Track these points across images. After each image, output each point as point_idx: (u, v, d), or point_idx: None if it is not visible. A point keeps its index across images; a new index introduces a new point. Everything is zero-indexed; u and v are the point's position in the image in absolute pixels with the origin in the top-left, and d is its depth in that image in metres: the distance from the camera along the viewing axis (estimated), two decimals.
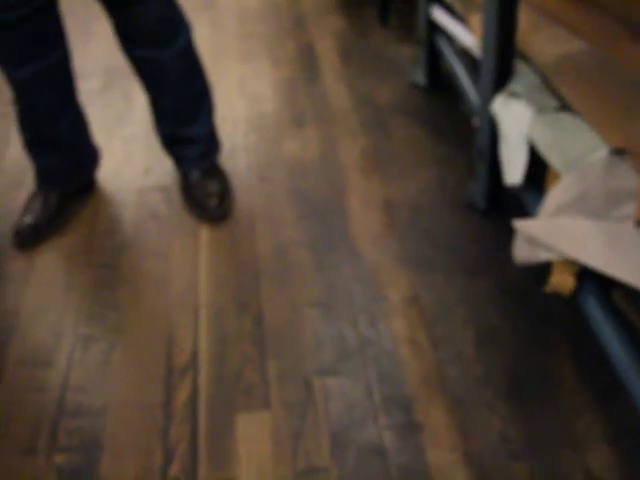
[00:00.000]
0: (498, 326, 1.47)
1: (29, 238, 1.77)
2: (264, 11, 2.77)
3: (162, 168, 1.99)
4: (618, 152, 1.24)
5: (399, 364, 1.41)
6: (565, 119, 1.41)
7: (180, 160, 1.86)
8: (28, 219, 1.78)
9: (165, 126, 1.81)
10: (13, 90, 1.69)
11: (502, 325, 1.47)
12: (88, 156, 1.89)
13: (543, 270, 1.32)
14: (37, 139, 1.76)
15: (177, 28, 1.67)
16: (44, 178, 1.82)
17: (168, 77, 1.71)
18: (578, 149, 1.34)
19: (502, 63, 1.55)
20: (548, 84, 1.50)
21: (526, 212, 1.42)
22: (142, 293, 1.63)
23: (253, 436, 1.31)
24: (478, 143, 1.68)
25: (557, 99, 1.46)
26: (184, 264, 1.70)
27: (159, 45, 1.65)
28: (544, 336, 1.44)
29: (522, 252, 1.31)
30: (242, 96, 2.29)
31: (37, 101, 1.68)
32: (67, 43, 1.70)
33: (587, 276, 1.22)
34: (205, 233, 1.77)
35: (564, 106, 1.44)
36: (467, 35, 1.86)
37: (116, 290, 1.65)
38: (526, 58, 1.58)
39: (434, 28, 2.07)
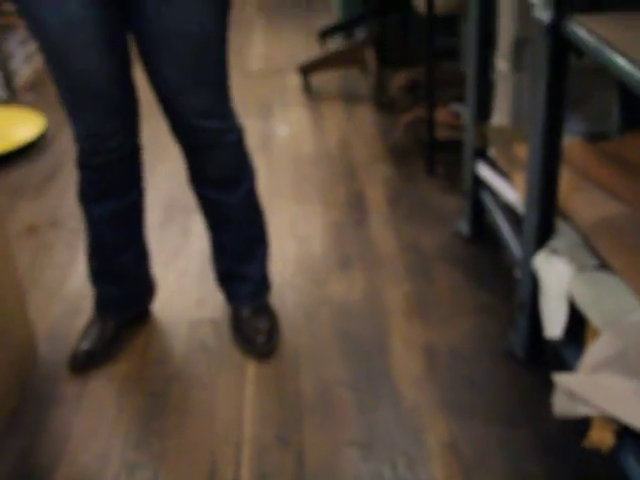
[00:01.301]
0: (536, 478, 1.48)
1: (84, 364, 1.85)
2: (317, 157, 2.93)
3: (214, 302, 2.08)
4: None
5: None
6: (604, 278, 1.48)
7: (232, 296, 1.95)
8: (85, 345, 1.86)
9: (223, 262, 1.92)
10: (86, 223, 1.82)
11: (540, 478, 1.48)
12: (146, 288, 1.99)
13: (583, 423, 1.34)
14: (103, 269, 1.88)
15: (245, 173, 1.81)
16: (103, 307, 1.92)
17: (231, 217, 1.83)
18: (617, 308, 1.40)
19: (544, 220, 1.64)
20: (588, 243, 1.57)
21: (565, 365, 1.47)
22: (188, 423, 1.68)
23: None
24: (519, 295, 1.74)
25: (596, 258, 1.53)
26: (230, 397, 1.75)
27: (227, 188, 1.79)
28: None
29: (562, 405, 1.34)
30: (292, 237, 2.40)
31: (108, 235, 1.81)
32: (144, 186, 1.85)
33: (628, 434, 1.24)
34: (252, 368, 1.84)
35: (603, 265, 1.51)
36: (511, 191, 1.96)
37: (164, 418, 1.70)
38: (567, 217, 1.67)
39: (479, 182, 2.19)
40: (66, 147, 3.05)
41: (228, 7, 1.62)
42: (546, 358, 1.72)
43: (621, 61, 1.23)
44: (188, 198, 2.44)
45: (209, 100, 1.66)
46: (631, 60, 1.20)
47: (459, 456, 1.54)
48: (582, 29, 1.36)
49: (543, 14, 1.46)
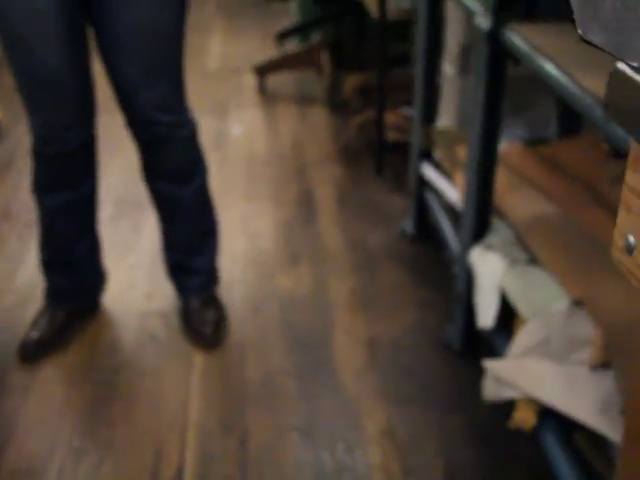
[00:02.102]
0: (467, 461, 1.56)
1: (33, 352, 1.88)
2: (270, 156, 2.99)
3: (163, 295, 2.12)
4: (578, 303, 1.38)
5: None
6: (533, 272, 1.56)
7: (182, 288, 2.00)
8: (34, 334, 1.89)
9: (173, 255, 1.97)
10: (39, 213, 1.85)
11: (471, 461, 1.56)
12: (97, 279, 2.03)
13: (511, 408, 1.42)
14: (54, 260, 1.90)
15: (198, 168, 1.86)
16: (54, 297, 1.95)
17: (183, 211, 1.88)
18: (544, 299, 1.48)
19: (480, 218, 1.72)
20: (520, 239, 1.66)
21: (496, 353, 1.55)
22: (135, 411, 1.73)
23: None
24: (456, 289, 1.82)
25: (527, 253, 1.61)
26: (177, 386, 1.80)
27: (180, 182, 1.83)
28: (510, 474, 1.52)
29: (490, 390, 1.43)
30: (243, 233, 2.45)
31: (60, 226, 1.84)
32: (97, 177, 1.89)
33: (547, 414, 1.33)
34: (199, 358, 1.89)
35: (533, 260, 1.59)
36: (452, 190, 2.05)
37: (111, 406, 1.74)
38: (502, 215, 1.76)
39: (423, 182, 2.27)
40: (20, 140, 3.06)
41: (186, 4, 1.67)
42: (480, 349, 1.80)
43: (549, 67, 1.31)
44: (139, 194, 2.48)
45: (165, 94, 1.71)
46: (558, 66, 1.28)
47: (396, 442, 1.61)
48: (517, 36, 1.45)
49: (483, 22, 1.54)
